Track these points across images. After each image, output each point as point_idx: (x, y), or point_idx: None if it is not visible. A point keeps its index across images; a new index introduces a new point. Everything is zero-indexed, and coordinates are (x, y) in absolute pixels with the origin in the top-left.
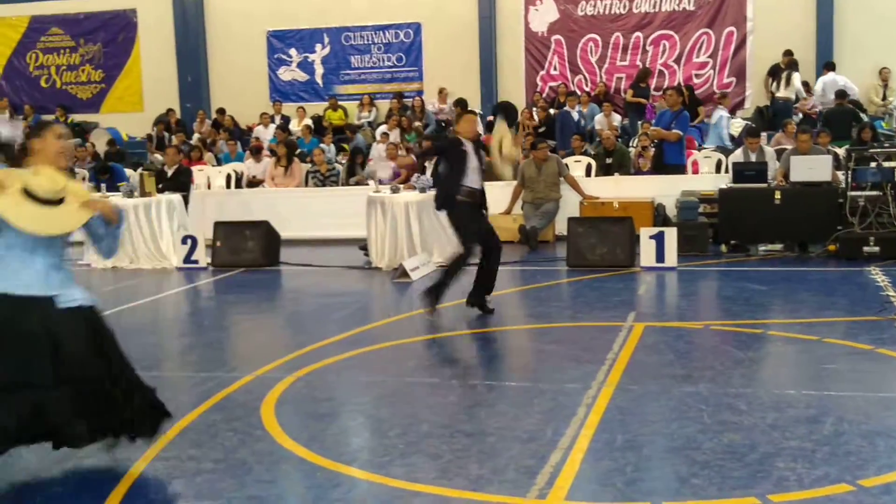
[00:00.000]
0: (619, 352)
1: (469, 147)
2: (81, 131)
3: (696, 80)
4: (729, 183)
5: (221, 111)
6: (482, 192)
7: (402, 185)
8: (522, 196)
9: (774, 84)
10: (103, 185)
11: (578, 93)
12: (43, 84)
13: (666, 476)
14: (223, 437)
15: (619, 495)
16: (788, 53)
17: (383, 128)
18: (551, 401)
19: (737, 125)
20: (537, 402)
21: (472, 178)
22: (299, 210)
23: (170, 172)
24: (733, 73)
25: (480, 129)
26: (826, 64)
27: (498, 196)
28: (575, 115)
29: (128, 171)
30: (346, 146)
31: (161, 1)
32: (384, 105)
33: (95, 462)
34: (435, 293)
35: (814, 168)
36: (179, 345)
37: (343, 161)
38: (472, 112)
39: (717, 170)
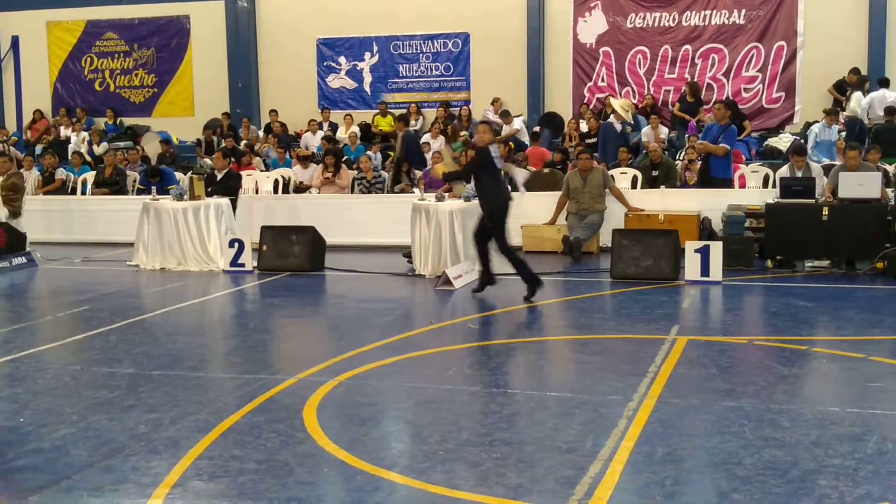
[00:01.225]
0: (662, 365)
1: (494, 151)
2: (133, 134)
3: (744, 95)
4: (776, 198)
5: (274, 112)
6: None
7: (446, 194)
8: (567, 207)
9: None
10: (154, 188)
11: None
12: (97, 87)
13: (706, 490)
14: (266, 438)
15: None
16: (856, 72)
17: (426, 136)
18: (592, 412)
19: (785, 141)
20: (578, 412)
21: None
22: (345, 216)
23: (219, 176)
24: (783, 88)
25: (526, 138)
26: (880, 80)
27: (542, 206)
28: (618, 127)
29: (178, 175)
30: (392, 153)
31: (214, 8)
32: (431, 114)
33: (140, 459)
34: (530, 279)
35: (863, 185)
36: (225, 346)
37: (389, 169)
38: (486, 122)
39: (765, 184)
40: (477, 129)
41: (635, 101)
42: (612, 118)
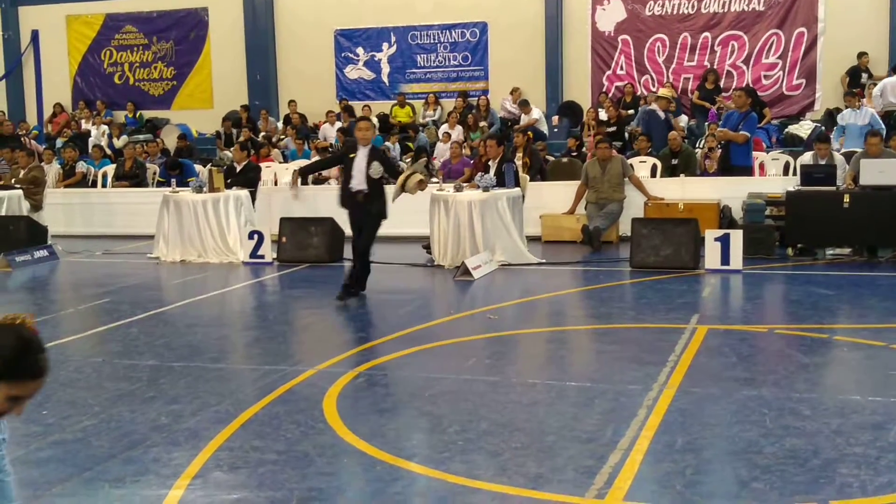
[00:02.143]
0: (682, 354)
1: (360, 154)
2: (153, 127)
3: (764, 82)
4: (797, 185)
5: (293, 103)
6: (360, 193)
7: (465, 184)
8: (586, 196)
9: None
10: (174, 181)
11: (645, 93)
12: (116, 81)
13: (726, 479)
14: (286, 429)
15: (679, 498)
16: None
17: (445, 127)
18: (612, 401)
19: (805, 128)
20: (597, 402)
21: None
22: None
23: (238, 168)
24: (803, 75)
25: (545, 128)
26: (894, 66)
27: (561, 196)
28: (661, 115)
29: (197, 167)
30: (410, 144)
31: (232, 0)
32: (449, 104)
33: (161, 450)
34: (359, 283)
35: (884, 171)
36: (245, 338)
37: (407, 160)
38: (366, 119)
39: (785, 172)
40: (356, 126)
41: (654, 90)
42: (654, 105)
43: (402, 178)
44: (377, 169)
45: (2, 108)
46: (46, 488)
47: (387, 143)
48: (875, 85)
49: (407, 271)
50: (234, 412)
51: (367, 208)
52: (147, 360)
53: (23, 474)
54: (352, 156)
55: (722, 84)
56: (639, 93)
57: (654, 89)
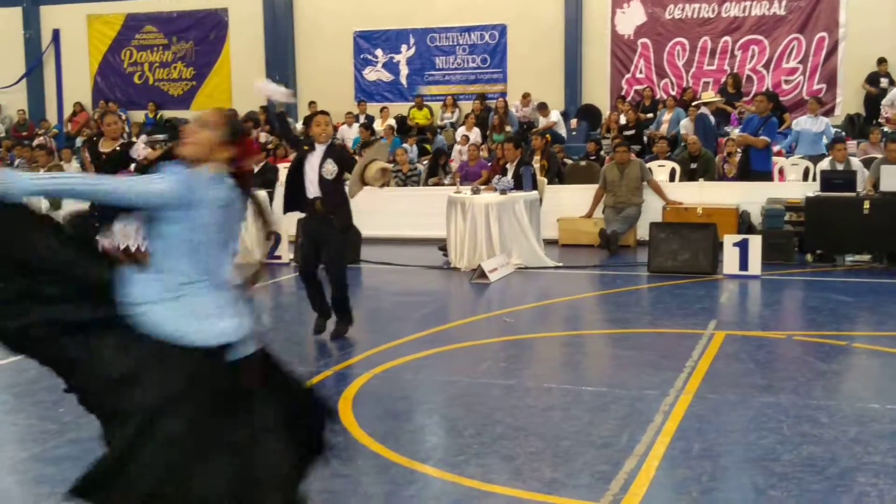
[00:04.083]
0: (699, 360)
1: (315, 152)
2: (173, 127)
3: (785, 86)
4: (816, 191)
5: (312, 104)
6: (316, 200)
7: (482, 187)
8: (604, 200)
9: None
10: None
11: (665, 97)
12: (136, 80)
13: (743, 487)
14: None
15: None
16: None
17: (462, 129)
18: (628, 407)
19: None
20: (613, 407)
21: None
22: (380, 209)
23: (256, 169)
24: (824, 80)
25: (563, 131)
26: None
27: (579, 199)
28: (712, 119)
29: None
30: (428, 147)
31: (251, 1)
32: (467, 106)
33: None
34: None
35: None
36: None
37: (424, 162)
38: (324, 113)
39: (805, 177)
40: (314, 121)
41: (674, 94)
42: (703, 110)
43: (358, 167)
44: (330, 169)
45: (23, 106)
46: (63, 486)
47: (404, 146)
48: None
49: (423, 273)
50: None
51: (326, 220)
52: None
53: (38, 472)
54: (306, 148)
55: (742, 88)
56: (657, 96)
57: (673, 93)
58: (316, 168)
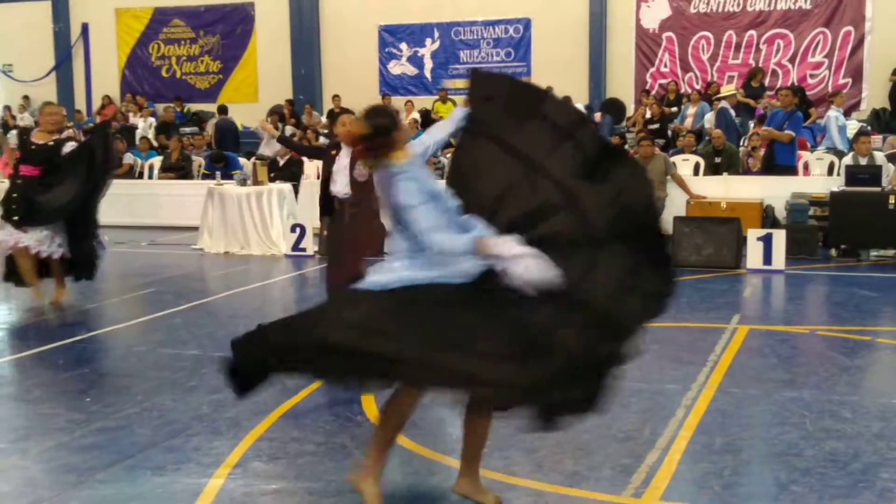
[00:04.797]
0: (722, 354)
1: (343, 153)
2: (199, 120)
3: (810, 81)
4: (841, 186)
5: (336, 97)
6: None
7: None
8: None
9: None
10: (218, 173)
11: (689, 91)
12: (164, 74)
13: (765, 481)
14: (325, 420)
15: (716, 498)
16: None
17: None
18: (650, 401)
19: (851, 128)
20: (635, 401)
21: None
22: None
23: (282, 162)
24: (849, 74)
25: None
26: None
27: None
28: (732, 113)
29: (241, 160)
30: (452, 141)
31: None
32: None
33: (202, 439)
34: None
35: None
36: None
37: (448, 155)
38: (348, 111)
39: (829, 172)
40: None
41: (698, 88)
42: (725, 103)
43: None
44: (363, 171)
45: (52, 99)
46: (89, 475)
47: None
48: None
49: None
50: (273, 403)
51: (354, 219)
52: (190, 349)
53: (65, 460)
54: (334, 153)
55: (766, 83)
56: (682, 90)
57: (697, 87)
58: (346, 170)
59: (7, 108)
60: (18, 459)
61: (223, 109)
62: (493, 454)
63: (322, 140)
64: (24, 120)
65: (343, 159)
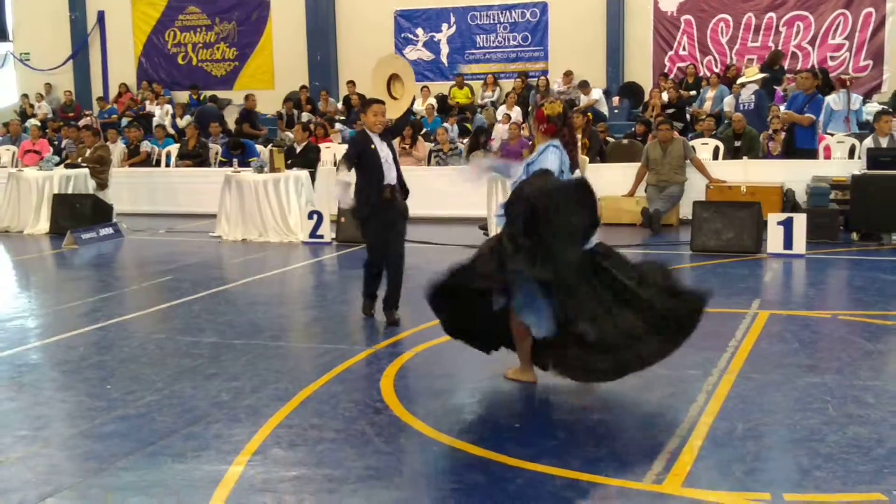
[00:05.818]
0: (742, 339)
1: (377, 141)
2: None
3: (830, 63)
4: (862, 169)
5: (351, 83)
6: (389, 188)
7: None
8: (646, 178)
9: None
10: (235, 161)
11: (708, 74)
12: (180, 61)
13: (787, 467)
14: (344, 407)
15: (738, 484)
16: None
17: (503, 108)
18: (671, 386)
19: (872, 110)
20: (657, 387)
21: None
22: (421, 188)
23: (298, 149)
24: (870, 56)
25: (605, 109)
26: None
27: (620, 178)
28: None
29: (258, 148)
30: (469, 126)
31: None
32: (508, 85)
33: (222, 426)
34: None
35: None
36: (304, 317)
37: (465, 141)
38: (378, 101)
39: (850, 155)
40: (369, 110)
41: (717, 71)
42: (755, 86)
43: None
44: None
45: (69, 88)
46: (110, 462)
47: (445, 125)
48: None
49: (464, 252)
50: (293, 390)
51: (399, 205)
52: (209, 337)
53: (87, 448)
54: (373, 146)
55: (786, 65)
56: (701, 73)
57: (716, 70)
58: (390, 157)
59: (24, 95)
60: (41, 447)
61: (248, 97)
62: (512, 441)
63: (338, 126)
64: (42, 109)
65: (384, 149)
